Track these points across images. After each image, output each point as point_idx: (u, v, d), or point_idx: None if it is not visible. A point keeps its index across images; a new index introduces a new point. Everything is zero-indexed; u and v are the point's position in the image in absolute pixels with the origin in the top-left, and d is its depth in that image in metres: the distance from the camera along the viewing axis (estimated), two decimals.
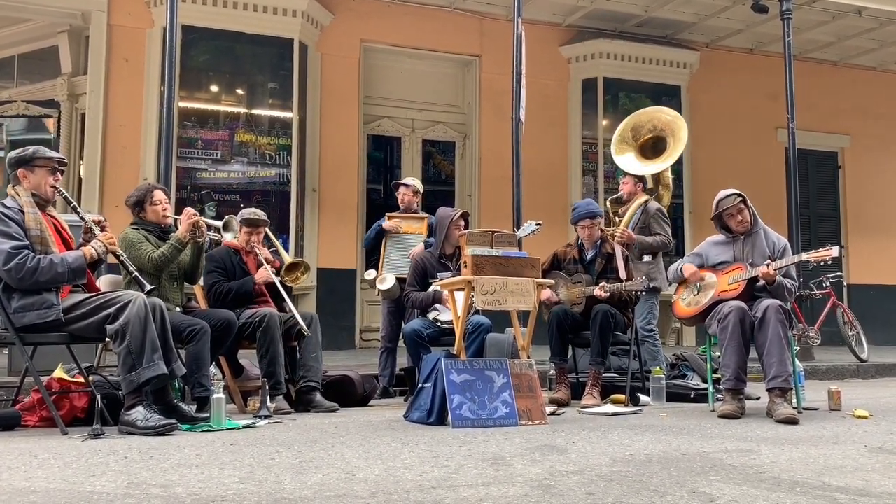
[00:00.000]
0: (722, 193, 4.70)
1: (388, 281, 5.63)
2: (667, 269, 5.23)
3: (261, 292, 4.96)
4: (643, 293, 5.16)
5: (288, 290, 5.01)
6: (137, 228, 4.51)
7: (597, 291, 4.99)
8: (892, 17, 9.66)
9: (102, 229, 3.98)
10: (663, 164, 6.11)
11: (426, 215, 5.92)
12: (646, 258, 5.80)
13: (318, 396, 4.72)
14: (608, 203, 6.28)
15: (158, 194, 4.60)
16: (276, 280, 4.86)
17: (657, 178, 6.27)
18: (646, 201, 5.89)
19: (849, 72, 11.56)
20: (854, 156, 11.71)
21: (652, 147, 6.24)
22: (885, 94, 11.81)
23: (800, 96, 8.20)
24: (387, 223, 5.86)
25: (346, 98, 9.17)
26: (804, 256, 4.51)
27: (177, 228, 4.53)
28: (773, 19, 8.79)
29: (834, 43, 10.73)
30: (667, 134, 6.21)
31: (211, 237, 4.60)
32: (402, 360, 5.67)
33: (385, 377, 5.79)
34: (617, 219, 5.95)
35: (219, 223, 4.60)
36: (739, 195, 4.61)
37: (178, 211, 4.73)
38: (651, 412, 4.65)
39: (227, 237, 4.60)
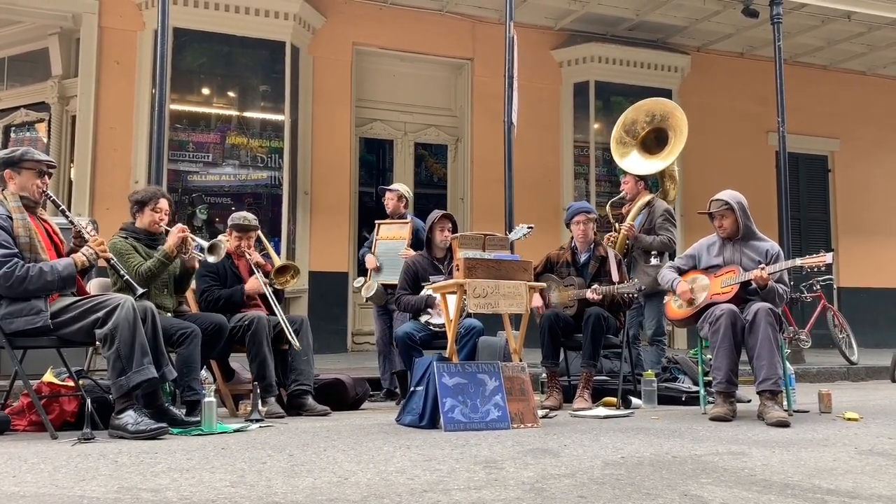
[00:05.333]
0: (719, 194, 4.71)
1: (372, 288, 5.75)
2: None
3: (252, 296, 4.95)
4: (635, 295, 5.14)
5: (279, 295, 5.00)
6: (126, 237, 4.45)
7: (588, 294, 4.98)
8: (881, 22, 9.73)
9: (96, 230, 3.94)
10: (666, 160, 5.99)
11: (409, 221, 5.90)
12: (653, 261, 5.66)
13: (310, 400, 4.71)
14: (608, 207, 6.17)
15: (163, 203, 4.55)
16: (268, 291, 4.84)
17: (662, 170, 6.15)
18: (650, 201, 5.82)
19: (838, 76, 11.64)
20: (844, 159, 11.78)
21: (655, 141, 6.12)
22: (875, 98, 11.89)
23: (790, 100, 8.25)
24: (367, 260, 5.84)
25: (338, 101, 9.17)
26: (798, 262, 4.52)
27: (167, 236, 4.46)
28: (764, 23, 8.84)
29: (824, 47, 10.81)
30: (667, 125, 6.06)
31: (195, 255, 4.52)
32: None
33: (386, 380, 5.82)
34: (617, 224, 5.86)
35: (206, 243, 4.53)
36: (727, 204, 4.62)
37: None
38: (642, 415, 4.66)
39: (211, 260, 4.53)
